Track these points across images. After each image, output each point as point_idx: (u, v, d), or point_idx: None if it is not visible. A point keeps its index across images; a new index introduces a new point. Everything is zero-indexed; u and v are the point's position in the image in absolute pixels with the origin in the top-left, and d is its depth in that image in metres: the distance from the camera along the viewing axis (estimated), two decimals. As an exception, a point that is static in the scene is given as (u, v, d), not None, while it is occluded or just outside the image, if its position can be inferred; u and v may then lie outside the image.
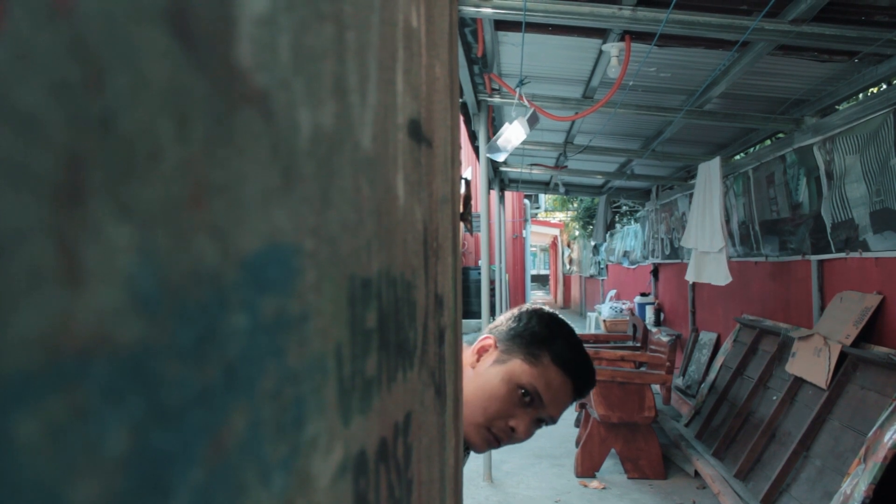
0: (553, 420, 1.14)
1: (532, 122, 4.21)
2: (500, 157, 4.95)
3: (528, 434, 1.12)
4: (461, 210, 0.83)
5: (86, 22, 0.12)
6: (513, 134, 4.35)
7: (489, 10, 3.07)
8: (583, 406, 5.61)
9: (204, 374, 0.16)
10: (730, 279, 4.97)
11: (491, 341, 1.16)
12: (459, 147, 0.77)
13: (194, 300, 0.15)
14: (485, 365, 1.13)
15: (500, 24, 3.53)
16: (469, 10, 3.08)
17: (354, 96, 0.30)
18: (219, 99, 0.17)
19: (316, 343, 0.24)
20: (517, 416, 1.10)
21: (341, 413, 0.27)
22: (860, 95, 4.26)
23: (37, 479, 0.11)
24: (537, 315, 1.19)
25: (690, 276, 5.43)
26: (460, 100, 4.17)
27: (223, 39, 0.17)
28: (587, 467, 4.92)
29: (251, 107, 0.19)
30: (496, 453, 5.20)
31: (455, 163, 0.74)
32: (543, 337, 1.14)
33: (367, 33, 0.33)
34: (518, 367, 1.11)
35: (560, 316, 1.22)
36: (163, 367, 0.14)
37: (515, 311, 1.23)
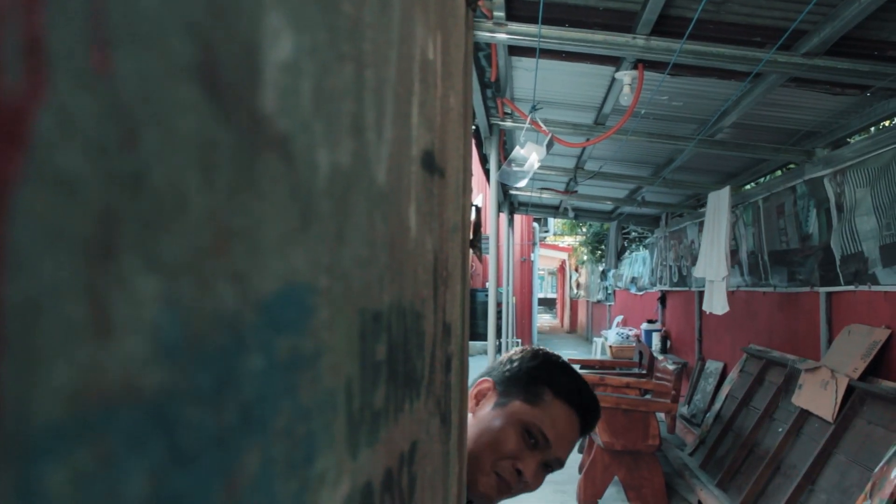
0: (560, 463, 1.11)
1: (548, 147, 4.24)
2: (521, 183, 4.97)
3: (536, 480, 1.08)
4: (471, 237, 0.83)
5: (123, 82, 0.12)
6: (534, 160, 4.38)
7: (504, 36, 3.09)
8: (587, 432, 5.56)
9: (221, 417, 0.16)
10: (727, 309, 4.95)
11: (489, 384, 1.14)
12: (471, 174, 0.77)
13: (214, 345, 0.16)
14: (485, 409, 1.11)
15: (514, 50, 3.55)
16: (484, 35, 3.10)
17: (371, 133, 0.31)
18: (243, 147, 0.17)
19: (327, 379, 0.24)
20: (523, 458, 1.07)
21: (349, 447, 0.27)
22: (872, 129, 4.26)
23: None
24: (531, 354, 1.18)
25: (706, 307, 5.39)
26: (472, 125, 4.19)
27: (248, 88, 0.18)
28: (590, 494, 4.87)
29: (272, 151, 0.19)
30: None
31: (466, 190, 0.75)
32: (541, 375, 1.12)
33: (386, 70, 0.34)
34: (519, 407, 1.08)
35: (554, 353, 1.20)
36: (183, 412, 0.14)
37: (507, 355, 1.20)
